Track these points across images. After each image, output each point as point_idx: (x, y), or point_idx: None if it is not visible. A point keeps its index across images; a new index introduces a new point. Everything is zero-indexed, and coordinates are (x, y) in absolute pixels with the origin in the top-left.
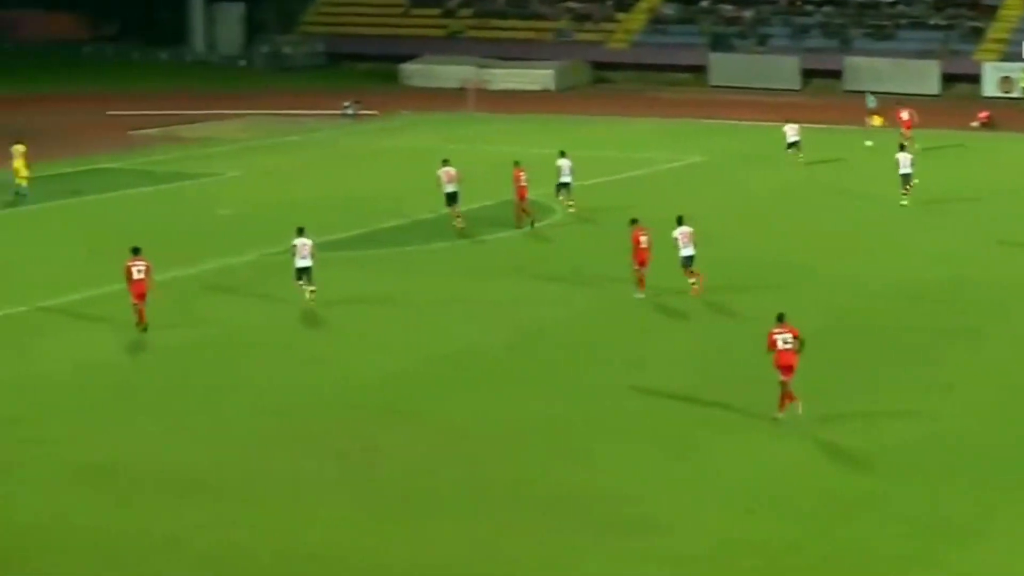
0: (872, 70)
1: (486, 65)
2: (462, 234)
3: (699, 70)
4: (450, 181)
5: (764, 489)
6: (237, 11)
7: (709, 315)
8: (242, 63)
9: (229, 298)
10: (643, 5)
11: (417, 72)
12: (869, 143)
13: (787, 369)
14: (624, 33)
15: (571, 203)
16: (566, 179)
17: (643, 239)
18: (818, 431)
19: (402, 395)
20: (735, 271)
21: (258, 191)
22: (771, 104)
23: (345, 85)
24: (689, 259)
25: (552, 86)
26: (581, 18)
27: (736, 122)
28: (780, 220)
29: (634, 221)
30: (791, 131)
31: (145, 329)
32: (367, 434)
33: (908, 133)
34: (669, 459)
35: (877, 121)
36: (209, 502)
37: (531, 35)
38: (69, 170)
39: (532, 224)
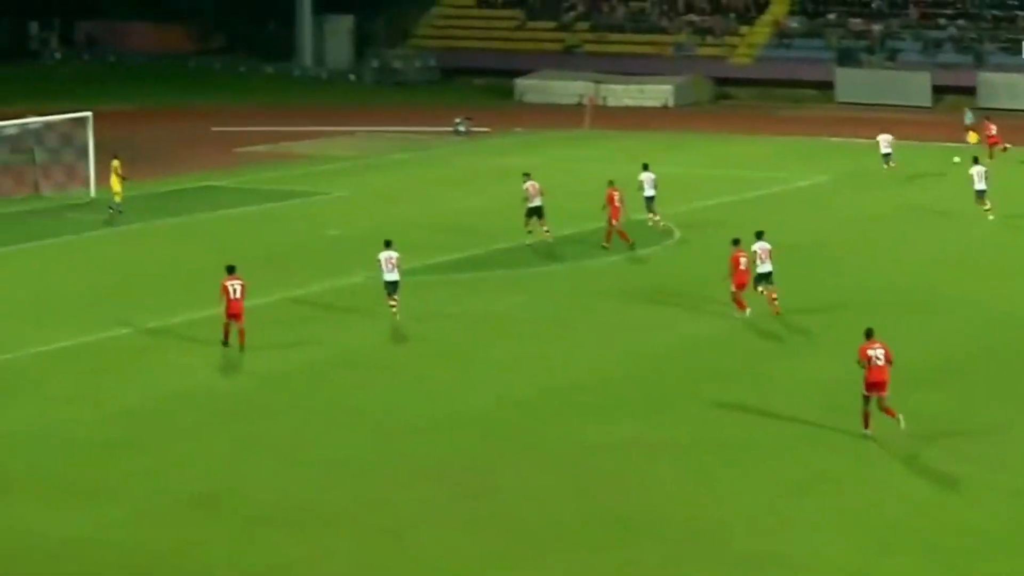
0: (1008, 86)
1: (603, 81)
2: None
3: (826, 86)
4: (536, 195)
5: (899, 524)
6: (346, 24)
7: (829, 339)
8: (351, 78)
9: (336, 321)
10: (767, 18)
11: (532, 88)
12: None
13: (880, 385)
14: (747, 47)
15: (656, 217)
16: (650, 193)
17: (743, 260)
18: (953, 464)
19: (517, 421)
20: (857, 295)
21: (367, 211)
22: (901, 122)
23: (457, 101)
24: (766, 276)
25: (672, 103)
26: (702, 32)
27: (864, 140)
28: (904, 242)
29: (735, 242)
30: (884, 142)
31: (242, 349)
32: (481, 462)
33: (996, 147)
34: (796, 490)
35: (973, 138)
36: (317, 533)
37: (650, 49)
38: (173, 187)
39: (604, 246)
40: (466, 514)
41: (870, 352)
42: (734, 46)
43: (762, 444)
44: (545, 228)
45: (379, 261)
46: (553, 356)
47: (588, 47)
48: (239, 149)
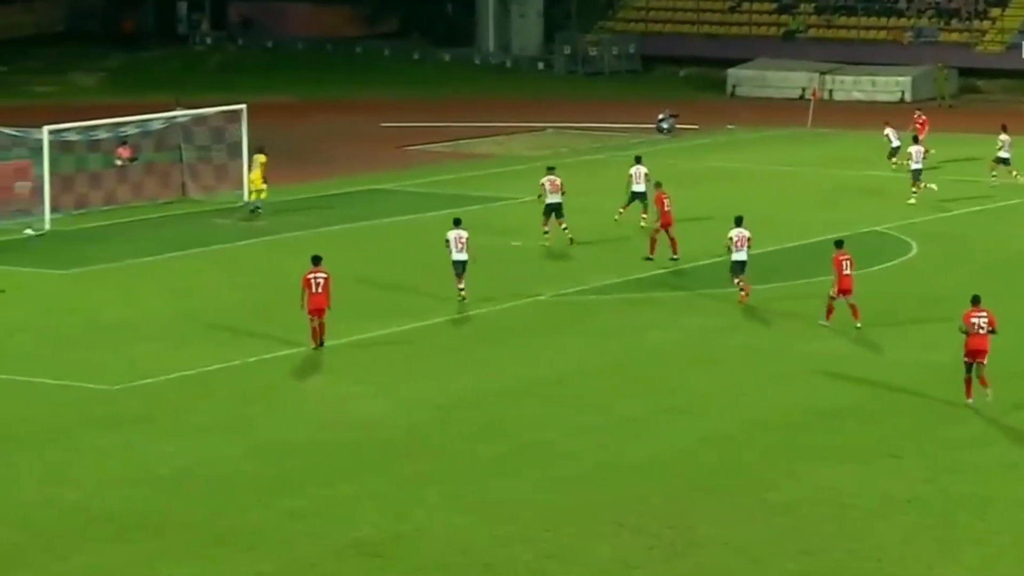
0: None
1: (829, 71)
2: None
3: None
4: (555, 191)
5: None
6: (535, 5)
7: None
8: (540, 66)
9: (517, 344)
10: None
11: (747, 79)
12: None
13: (980, 353)
14: (998, 33)
15: (646, 216)
16: (639, 188)
17: (846, 263)
18: None
19: (722, 463)
20: None
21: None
22: None
23: (661, 94)
24: (741, 265)
25: (908, 96)
26: (946, 14)
27: None
28: None
29: (839, 244)
30: (892, 135)
31: (321, 345)
32: (682, 510)
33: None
34: None
35: None
36: None
37: (884, 35)
38: (336, 191)
39: (648, 258)
40: (662, 571)
41: (973, 319)
42: (983, 32)
43: (1019, 499)
44: (564, 226)
45: (448, 241)
46: (762, 388)
47: (812, 32)
48: (411, 147)
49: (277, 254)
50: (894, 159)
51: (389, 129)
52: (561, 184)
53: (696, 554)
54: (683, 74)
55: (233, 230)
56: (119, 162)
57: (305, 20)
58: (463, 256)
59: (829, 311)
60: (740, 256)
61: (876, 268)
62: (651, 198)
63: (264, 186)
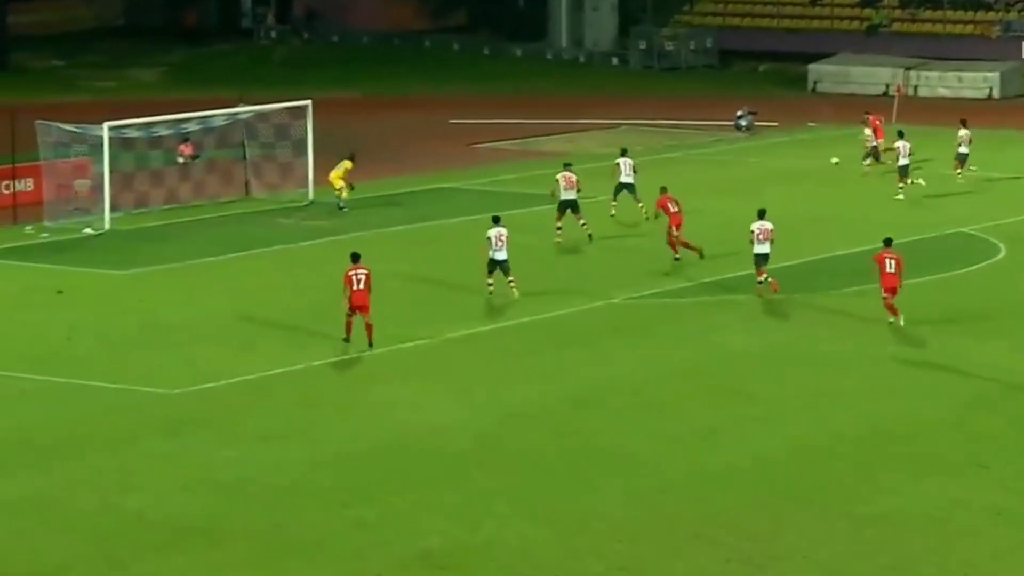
0: None
1: (914, 66)
2: (836, 271)
3: None
4: (570, 187)
5: None
6: None
7: None
8: (614, 61)
9: (586, 349)
10: None
11: (828, 74)
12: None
13: None
14: None
15: (640, 205)
16: (627, 179)
17: (889, 262)
18: None
19: (801, 475)
20: None
21: (631, 219)
22: None
23: (739, 90)
24: (763, 257)
25: (997, 93)
26: None
27: None
28: None
29: (887, 242)
30: (870, 136)
31: (371, 346)
32: (764, 523)
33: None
34: None
35: None
36: None
37: (971, 29)
38: (403, 189)
39: (676, 258)
40: None
41: None
42: None
43: None
44: (582, 222)
45: (489, 239)
46: (844, 395)
47: (896, 26)
48: (480, 145)
49: (341, 254)
50: (868, 159)
51: (458, 126)
52: (577, 181)
53: (776, 568)
54: (762, 69)
55: (296, 230)
56: (181, 160)
57: (371, 13)
58: (503, 255)
59: (892, 311)
60: (762, 249)
61: (964, 271)
62: (650, 196)
63: (341, 185)
